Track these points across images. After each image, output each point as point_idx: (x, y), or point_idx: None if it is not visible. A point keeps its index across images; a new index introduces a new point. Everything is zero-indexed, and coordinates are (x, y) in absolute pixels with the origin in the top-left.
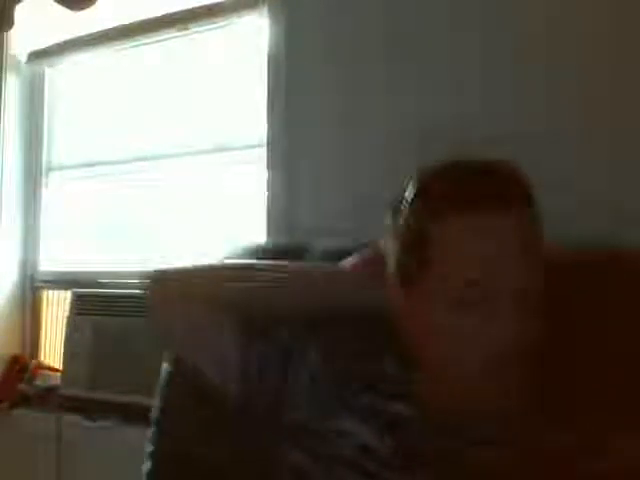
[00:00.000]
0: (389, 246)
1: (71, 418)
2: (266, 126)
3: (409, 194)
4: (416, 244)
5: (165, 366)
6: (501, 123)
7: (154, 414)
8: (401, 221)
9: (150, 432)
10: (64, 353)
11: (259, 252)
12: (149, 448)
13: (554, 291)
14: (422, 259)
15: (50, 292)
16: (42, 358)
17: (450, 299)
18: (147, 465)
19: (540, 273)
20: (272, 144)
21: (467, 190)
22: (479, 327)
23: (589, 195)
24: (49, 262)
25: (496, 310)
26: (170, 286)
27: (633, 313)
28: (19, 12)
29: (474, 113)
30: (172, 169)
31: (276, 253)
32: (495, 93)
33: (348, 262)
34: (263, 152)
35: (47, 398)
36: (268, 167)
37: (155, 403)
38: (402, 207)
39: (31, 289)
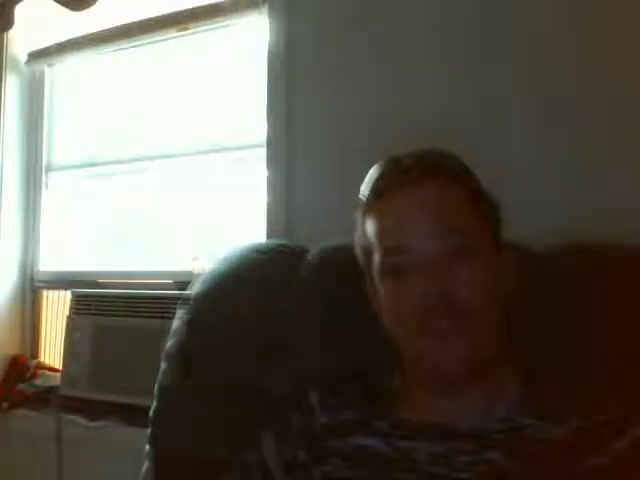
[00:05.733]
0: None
1: (71, 418)
2: (266, 126)
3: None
4: (359, 240)
5: (164, 367)
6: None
7: (152, 415)
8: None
9: (148, 432)
10: (64, 353)
11: (259, 251)
12: (147, 448)
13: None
14: (367, 250)
15: (50, 292)
16: (42, 358)
17: (381, 272)
18: (145, 466)
19: (462, 234)
20: (272, 144)
21: (386, 180)
22: (408, 289)
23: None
24: (49, 262)
25: (418, 271)
26: None
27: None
28: (19, 12)
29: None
30: (172, 169)
31: (275, 252)
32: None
33: None
34: (263, 152)
35: (47, 398)
36: (268, 167)
37: (154, 403)
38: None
39: (31, 289)
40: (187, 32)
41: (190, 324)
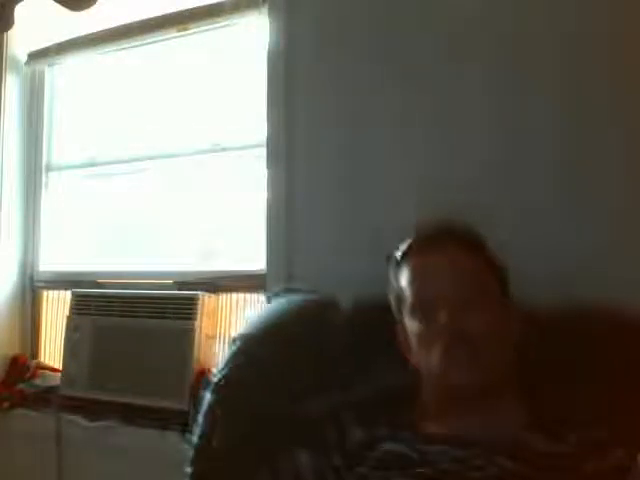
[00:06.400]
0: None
1: (71, 418)
2: (266, 126)
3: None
4: (393, 289)
5: (208, 397)
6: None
7: (195, 438)
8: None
9: (190, 454)
10: (64, 353)
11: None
12: (189, 469)
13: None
14: (400, 298)
15: (50, 292)
16: (42, 358)
17: (411, 312)
18: None
19: (474, 288)
20: (272, 144)
21: (418, 244)
22: (434, 325)
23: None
24: (49, 262)
25: (441, 311)
26: None
27: None
28: (19, 12)
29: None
30: (172, 169)
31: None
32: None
33: None
34: (263, 152)
35: (47, 398)
36: (268, 167)
37: (196, 428)
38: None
39: (31, 289)
40: (187, 32)
41: (236, 359)
